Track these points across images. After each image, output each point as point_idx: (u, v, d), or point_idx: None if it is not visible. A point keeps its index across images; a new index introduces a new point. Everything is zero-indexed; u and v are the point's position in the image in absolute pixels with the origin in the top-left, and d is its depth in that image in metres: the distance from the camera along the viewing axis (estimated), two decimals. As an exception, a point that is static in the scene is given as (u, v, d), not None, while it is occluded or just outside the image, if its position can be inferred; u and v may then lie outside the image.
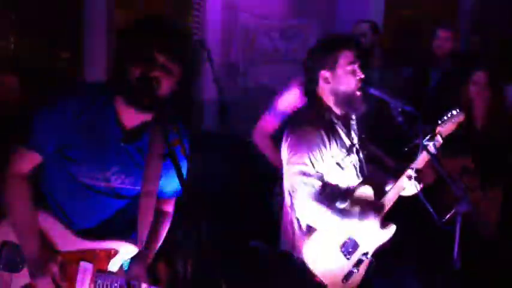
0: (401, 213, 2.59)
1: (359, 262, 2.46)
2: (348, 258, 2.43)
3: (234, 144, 4.34)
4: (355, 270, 2.45)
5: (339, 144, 2.45)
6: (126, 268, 2.05)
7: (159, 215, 2.09)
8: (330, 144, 2.40)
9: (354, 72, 2.41)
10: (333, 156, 2.41)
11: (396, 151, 2.75)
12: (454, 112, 2.58)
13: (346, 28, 4.48)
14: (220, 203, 3.85)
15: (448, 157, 2.54)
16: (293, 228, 2.51)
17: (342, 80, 2.41)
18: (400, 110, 2.37)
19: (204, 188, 3.44)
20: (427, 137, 2.47)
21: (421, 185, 2.45)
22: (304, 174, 2.34)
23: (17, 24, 4.48)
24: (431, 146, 2.47)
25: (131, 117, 1.94)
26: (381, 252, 2.57)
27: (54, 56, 4.51)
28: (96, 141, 1.91)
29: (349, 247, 2.44)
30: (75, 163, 1.92)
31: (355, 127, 2.61)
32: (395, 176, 2.55)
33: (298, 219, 2.49)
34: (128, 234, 2.04)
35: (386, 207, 2.52)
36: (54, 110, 1.91)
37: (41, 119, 1.92)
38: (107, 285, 1.95)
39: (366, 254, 2.48)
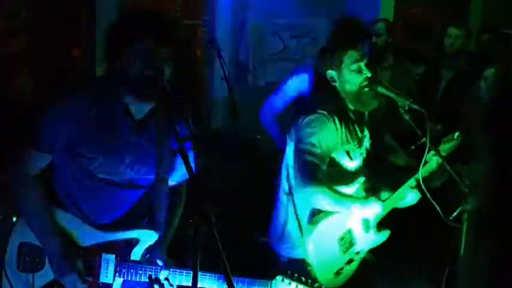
0: (407, 211, 2.60)
1: (351, 260, 2.47)
2: (344, 253, 2.45)
3: (243, 142, 4.37)
4: (347, 267, 2.46)
5: (350, 134, 2.47)
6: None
7: (171, 199, 2.13)
8: (341, 131, 2.43)
9: (359, 71, 2.42)
10: (343, 144, 2.44)
11: (403, 149, 2.76)
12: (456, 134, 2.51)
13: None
14: (229, 200, 3.88)
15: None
16: (287, 217, 2.56)
17: (347, 79, 2.43)
18: (407, 108, 2.37)
19: (214, 185, 3.47)
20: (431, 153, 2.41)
21: (419, 196, 2.46)
22: (310, 153, 2.37)
23: (28, 22, 4.53)
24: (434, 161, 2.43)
25: (139, 108, 1.97)
26: (388, 251, 2.57)
27: (66, 54, 4.56)
28: (107, 136, 1.94)
29: (346, 242, 2.46)
30: (89, 160, 1.94)
31: (366, 123, 2.62)
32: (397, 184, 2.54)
33: (295, 209, 2.52)
34: (145, 222, 2.09)
35: (383, 211, 2.48)
36: (62, 109, 1.92)
37: (49, 119, 1.93)
38: (132, 274, 1.99)
39: (358, 253, 2.47)
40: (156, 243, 2.05)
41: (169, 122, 1.91)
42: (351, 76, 2.42)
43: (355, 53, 2.42)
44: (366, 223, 2.48)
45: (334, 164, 2.45)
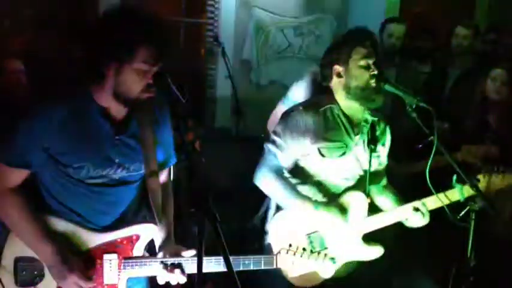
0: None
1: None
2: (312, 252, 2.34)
3: (247, 140, 4.35)
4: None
5: (329, 134, 2.45)
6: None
7: (161, 189, 2.09)
8: (318, 128, 2.43)
9: (367, 67, 2.40)
10: (317, 142, 2.43)
11: (410, 148, 2.74)
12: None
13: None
14: (231, 198, 3.86)
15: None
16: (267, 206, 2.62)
17: (354, 74, 2.40)
18: (414, 106, 2.35)
19: (217, 184, 3.45)
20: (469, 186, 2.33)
21: (427, 221, 2.40)
22: (274, 143, 2.46)
23: (32, 19, 4.52)
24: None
25: (119, 109, 1.90)
26: (393, 251, 2.55)
27: (70, 51, 4.55)
28: (90, 142, 1.88)
29: (315, 241, 2.39)
30: (76, 169, 1.89)
31: (366, 130, 2.54)
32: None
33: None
34: (143, 215, 2.07)
35: (373, 226, 2.43)
36: (37, 122, 1.83)
37: (24, 133, 1.84)
38: (137, 270, 1.97)
39: (333, 259, 2.28)
40: (165, 238, 2.04)
41: (151, 116, 1.95)
42: (358, 71, 2.40)
43: (364, 49, 2.40)
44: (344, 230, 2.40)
45: (299, 160, 2.47)
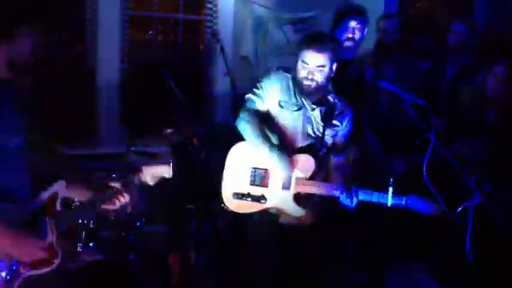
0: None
1: (258, 198, 2.70)
2: (250, 184, 2.73)
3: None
4: (246, 203, 2.68)
5: (288, 95, 2.98)
6: None
7: None
8: (286, 88, 2.99)
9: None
10: (281, 96, 2.97)
11: (408, 144, 2.75)
12: None
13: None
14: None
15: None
16: None
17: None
18: (412, 103, 2.37)
19: (215, 180, 3.45)
20: None
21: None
22: (253, 92, 3.03)
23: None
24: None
25: (12, 78, 2.12)
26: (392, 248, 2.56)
27: (68, 48, 4.55)
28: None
29: (256, 177, 2.75)
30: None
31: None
32: None
33: None
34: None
35: (307, 189, 2.72)
36: None
37: None
38: (70, 221, 2.17)
39: (263, 197, 2.71)
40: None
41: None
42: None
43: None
44: (284, 180, 2.71)
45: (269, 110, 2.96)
